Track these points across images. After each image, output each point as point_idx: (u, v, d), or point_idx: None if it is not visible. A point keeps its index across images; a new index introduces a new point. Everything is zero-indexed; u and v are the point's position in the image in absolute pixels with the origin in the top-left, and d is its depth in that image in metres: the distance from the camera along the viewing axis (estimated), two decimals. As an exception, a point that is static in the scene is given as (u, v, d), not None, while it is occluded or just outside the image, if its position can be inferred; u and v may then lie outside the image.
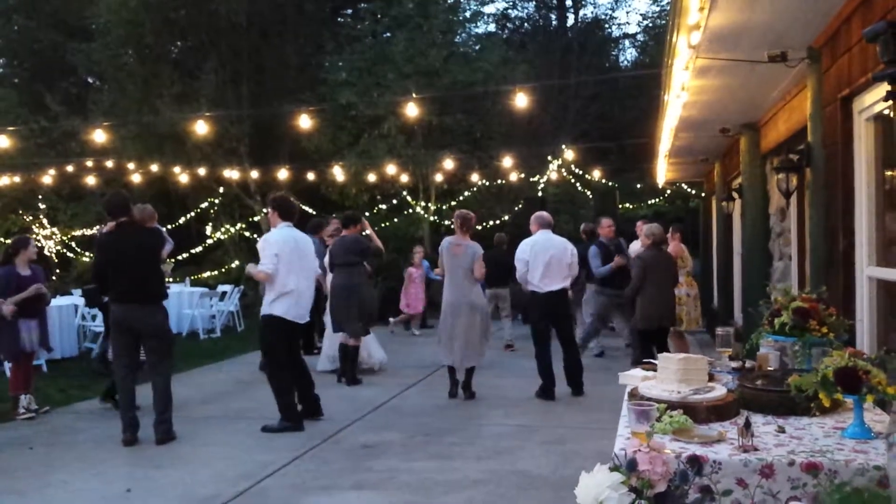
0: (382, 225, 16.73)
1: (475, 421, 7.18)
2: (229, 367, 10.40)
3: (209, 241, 18.43)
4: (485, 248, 8.43)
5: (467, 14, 20.06)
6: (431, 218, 17.13)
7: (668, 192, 18.20)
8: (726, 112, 7.85)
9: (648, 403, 2.67)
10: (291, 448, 6.25)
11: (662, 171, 13.32)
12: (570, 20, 26.99)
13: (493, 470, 5.63)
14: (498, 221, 17.08)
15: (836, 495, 2.27)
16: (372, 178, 16.10)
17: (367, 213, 16.53)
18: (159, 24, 17.13)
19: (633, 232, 10.86)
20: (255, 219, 17.80)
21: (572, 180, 17.90)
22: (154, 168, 16.07)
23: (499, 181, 16.97)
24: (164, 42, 17.94)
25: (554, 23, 27.16)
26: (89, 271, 18.08)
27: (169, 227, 8.99)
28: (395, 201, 17.08)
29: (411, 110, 11.26)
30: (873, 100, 4.36)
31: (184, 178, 16.32)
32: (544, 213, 8.50)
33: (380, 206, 17.06)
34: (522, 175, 16.84)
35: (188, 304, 13.38)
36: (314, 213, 15.17)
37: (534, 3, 27.35)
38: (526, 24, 27.60)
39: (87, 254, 18.56)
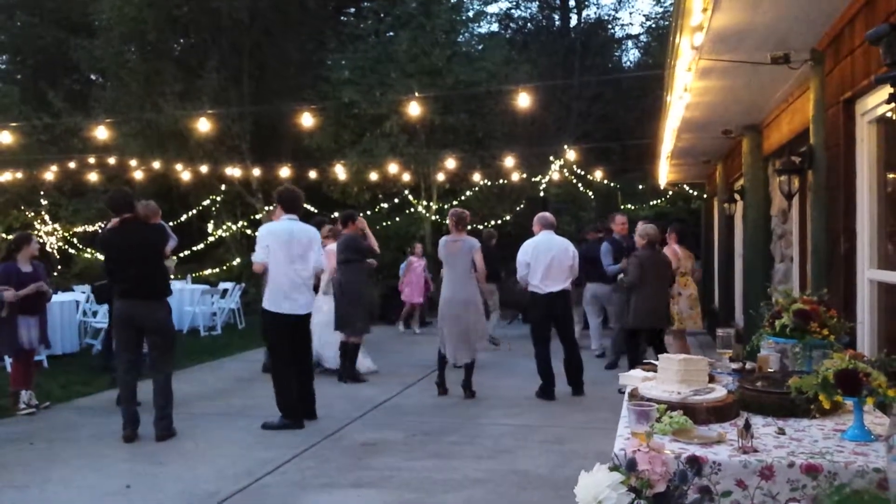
0: (384, 224, 16.74)
1: (475, 420, 7.18)
2: (230, 365, 10.42)
3: (211, 239, 18.44)
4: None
5: (470, 14, 20.06)
6: (433, 217, 17.12)
7: (670, 193, 18.18)
8: (728, 113, 7.85)
9: (648, 404, 2.68)
10: (291, 446, 6.26)
11: (664, 173, 13.31)
12: (573, 20, 26.97)
13: (492, 469, 5.64)
14: (500, 221, 17.08)
15: (835, 497, 2.27)
16: (374, 176, 16.10)
17: (368, 212, 16.57)
18: (162, 21, 17.14)
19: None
20: (257, 216, 17.81)
21: (574, 181, 17.89)
22: (156, 165, 16.07)
23: (501, 181, 16.96)
24: (166, 39, 17.94)
25: (557, 23, 27.14)
26: (91, 267, 18.15)
27: (171, 224, 8.98)
28: (396, 200, 17.09)
29: (414, 109, 11.26)
30: (876, 102, 4.36)
31: (186, 175, 16.32)
32: (547, 214, 8.51)
33: (381, 205, 17.06)
34: (524, 175, 16.83)
35: (189, 302, 13.40)
36: (315, 211, 15.18)
37: (537, 3, 27.34)
38: (529, 25, 27.57)
39: (88, 250, 18.57)
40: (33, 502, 5.08)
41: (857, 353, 2.89)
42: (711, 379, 3.40)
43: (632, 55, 28.60)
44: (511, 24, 27.03)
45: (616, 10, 37.47)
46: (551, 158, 17.36)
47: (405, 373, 9.51)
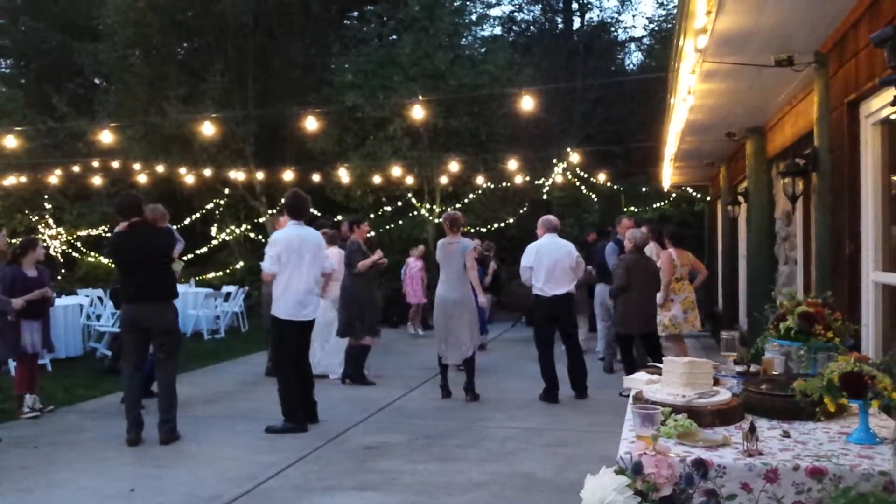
0: (387, 227, 16.74)
1: (479, 423, 7.18)
2: (233, 368, 10.42)
3: (214, 242, 18.45)
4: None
5: (473, 17, 20.04)
6: (436, 220, 17.11)
7: (674, 195, 18.17)
8: (732, 116, 7.84)
9: (653, 407, 2.67)
10: (295, 449, 6.26)
11: (668, 175, 13.31)
12: (576, 23, 26.98)
13: (496, 472, 5.63)
14: (502, 224, 17.07)
15: (840, 500, 2.26)
16: (377, 179, 16.11)
17: (371, 216, 16.57)
18: (166, 25, 17.16)
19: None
20: (260, 220, 17.83)
21: (577, 183, 17.88)
22: (160, 169, 16.09)
23: (504, 184, 16.95)
24: (170, 43, 17.97)
25: (560, 26, 27.15)
26: (95, 271, 18.19)
27: (174, 227, 9.01)
28: (399, 203, 17.08)
29: (417, 112, 11.26)
30: (880, 104, 4.36)
31: (189, 178, 16.34)
32: (551, 217, 8.52)
33: (385, 207, 17.06)
34: (527, 178, 16.81)
35: (193, 305, 13.41)
36: (319, 214, 15.19)
37: (540, 6, 27.36)
38: (532, 28, 27.59)
39: (92, 254, 18.61)
40: (37, 506, 5.09)
41: (861, 355, 2.88)
42: (716, 382, 3.40)
43: (635, 58, 28.61)
44: (514, 28, 27.06)
45: (619, 13, 37.62)
46: (554, 161, 17.34)
47: (408, 375, 9.51)
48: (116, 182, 17.13)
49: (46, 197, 18.64)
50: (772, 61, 5.40)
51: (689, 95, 6.15)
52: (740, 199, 10.15)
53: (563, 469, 5.68)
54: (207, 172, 16.28)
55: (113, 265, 6.87)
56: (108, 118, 16.49)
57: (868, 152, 4.67)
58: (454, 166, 15.19)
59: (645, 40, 27.47)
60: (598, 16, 28.61)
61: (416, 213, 17.06)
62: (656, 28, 26.26)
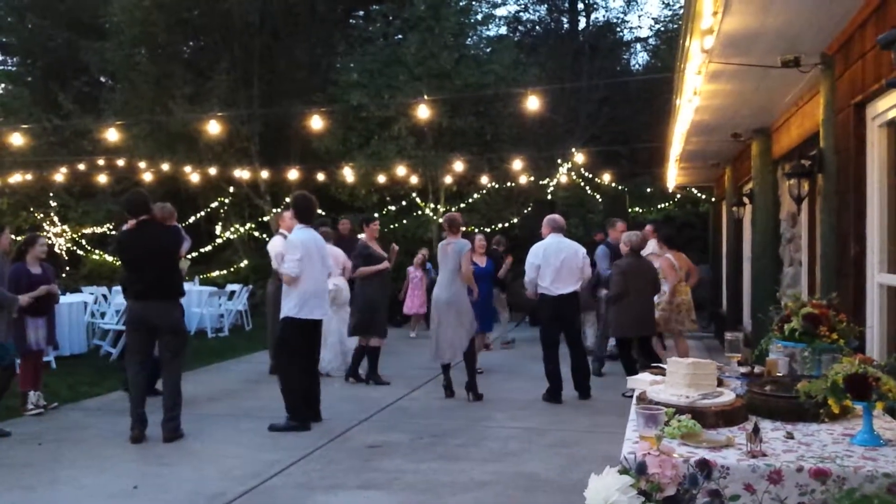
0: (391, 226, 16.74)
1: (482, 423, 7.18)
2: (237, 366, 10.44)
3: (218, 241, 18.49)
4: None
5: (479, 17, 20.02)
6: (440, 220, 17.12)
7: (678, 196, 18.15)
8: (738, 117, 7.83)
9: (657, 407, 2.67)
10: (298, 447, 6.26)
11: (673, 176, 13.29)
12: (582, 24, 26.94)
13: (499, 472, 5.63)
14: (507, 224, 17.07)
15: (844, 502, 2.26)
16: (382, 179, 16.12)
17: (375, 214, 16.56)
18: (172, 24, 17.20)
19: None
20: (265, 218, 17.85)
21: (582, 184, 17.88)
22: (165, 167, 16.12)
23: (508, 184, 16.96)
24: (176, 42, 18.00)
25: (565, 26, 27.12)
26: (100, 269, 18.23)
27: (180, 226, 9.05)
28: (404, 203, 17.09)
29: (422, 112, 11.26)
30: (886, 106, 4.35)
31: (195, 177, 16.37)
32: (557, 217, 8.51)
33: (389, 207, 17.07)
34: (532, 178, 16.81)
35: (197, 303, 13.43)
36: (323, 213, 15.20)
37: (545, 6, 27.33)
38: (537, 28, 27.55)
39: (97, 252, 18.65)
40: (41, 502, 5.10)
41: (866, 357, 2.88)
42: (720, 383, 3.39)
43: (640, 58, 28.56)
44: (519, 28, 27.03)
45: (625, 13, 37.50)
46: (559, 161, 17.34)
47: (411, 375, 9.51)
48: (122, 180, 17.17)
49: (52, 194, 18.69)
50: (778, 62, 5.39)
51: (695, 96, 6.14)
52: (745, 200, 10.14)
53: (567, 469, 5.68)
54: (212, 171, 16.31)
55: (118, 263, 6.87)
56: (114, 116, 16.54)
57: (874, 154, 4.66)
58: (459, 166, 15.20)
59: (651, 41, 27.44)
60: (603, 16, 28.62)
61: (420, 212, 17.07)
62: (662, 29, 26.24)
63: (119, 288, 10.29)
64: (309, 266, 6.94)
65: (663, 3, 29.14)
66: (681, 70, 5.82)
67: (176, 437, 6.47)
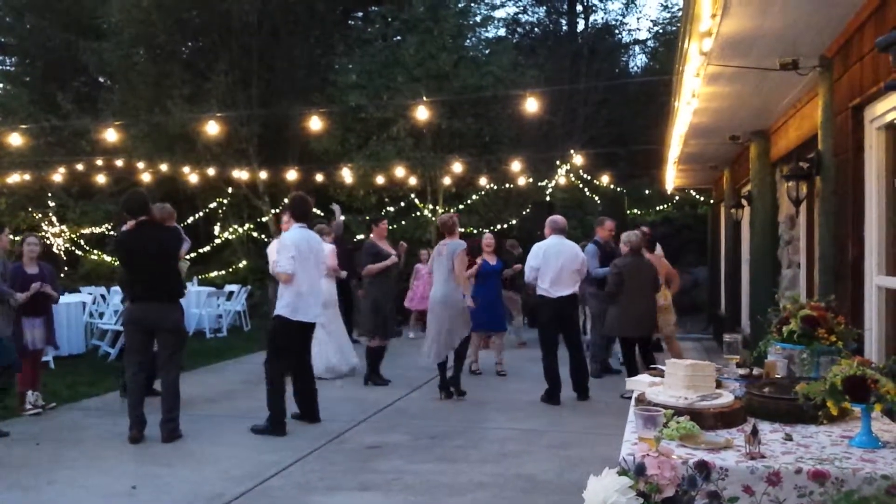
0: (390, 227, 16.73)
1: (480, 424, 7.18)
2: (235, 367, 10.43)
3: (217, 241, 18.48)
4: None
5: (478, 18, 20.03)
6: (437, 221, 17.13)
7: (677, 198, 18.17)
8: (736, 119, 7.84)
9: (655, 409, 2.68)
10: (297, 448, 6.27)
11: (671, 178, 13.30)
12: (581, 25, 26.97)
13: (498, 473, 5.63)
14: (505, 226, 17.08)
15: (843, 504, 2.27)
16: (380, 180, 16.12)
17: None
18: (171, 24, 17.19)
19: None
20: (263, 219, 17.85)
21: (580, 185, 17.89)
22: (164, 168, 16.12)
23: (507, 185, 16.97)
24: (175, 42, 17.98)
25: (564, 28, 27.15)
26: (98, 269, 18.21)
27: (179, 226, 9.05)
28: (402, 204, 17.09)
29: (421, 113, 11.25)
30: (885, 109, 4.36)
31: (193, 177, 16.37)
32: (558, 218, 8.52)
33: (387, 208, 17.07)
34: (531, 179, 16.82)
35: (195, 304, 13.42)
36: (322, 214, 15.20)
37: (544, 8, 27.35)
38: (536, 30, 27.57)
39: (95, 252, 18.63)
40: (39, 502, 5.10)
41: (864, 359, 2.88)
42: (718, 385, 3.40)
43: (639, 60, 28.61)
44: (518, 29, 27.06)
45: (623, 16, 37.55)
46: (558, 163, 17.36)
47: (410, 376, 9.50)
48: (120, 180, 17.17)
49: (50, 195, 18.68)
50: (776, 65, 5.39)
51: (694, 98, 6.14)
52: (744, 202, 10.15)
53: (565, 470, 5.68)
54: (211, 171, 16.31)
55: (117, 263, 6.87)
56: (113, 117, 16.52)
57: (872, 156, 4.67)
58: (457, 167, 15.20)
59: (649, 43, 27.48)
60: (602, 18, 28.63)
61: (418, 213, 17.07)
62: (660, 31, 26.28)
63: (117, 288, 10.30)
64: (302, 266, 6.89)
65: (662, 5, 29.25)
66: (679, 72, 5.83)
67: (174, 438, 6.47)
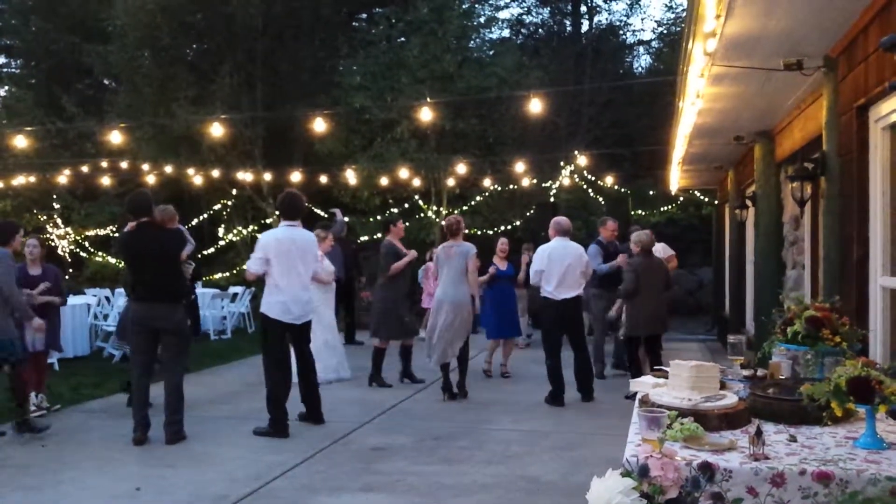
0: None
1: (484, 425, 7.18)
2: (240, 368, 10.44)
3: (221, 243, 18.51)
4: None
5: (482, 20, 20.05)
6: (443, 222, 17.13)
7: (681, 199, 18.14)
8: (741, 120, 7.83)
9: (659, 410, 2.67)
10: (301, 449, 6.27)
11: (675, 178, 13.28)
12: (585, 26, 26.97)
13: (502, 475, 5.63)
14: (509, 227, 17.07)
15: (847, 505, 2.26)
16: (384, 181, 16.13)
17: (378, 217, 16.56)
18: (176, 27, 17.24)
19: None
20: (268, 221, 17.88)
21: (585, 186, 17.88)
22: (168, 169, 16.17)
23: (511, 186, 16.97)
24: (180, 45, 18.04)
25: (568, 29, 27.16)
26: (103, 271, 18.25)
27: (183, 228, 9.07)
28: (406, 205, 17.10)
29: (425, 115, 11.27)
30: (890, 109, 4.35)
31: (198, 179, 16.41)
32: (563, 220, 8.51)
33: (392, 209, 17.07)
34: (535, 180, 16.82)
35: (200, 305, 13.42)
36: (325, 215, 15.21)
37: (548, 9, 27.36)
38: (540, 30, 27.57)
39: (100, 254, 18.68)
40: (44, 503, 5.11)
41: (869, 360, 2.87)
42: (723, 386, 3.39)
43: (643, 61, 28.59)
44: (522, 30, 27.07)
45: (628, 16, 37.47)
46: (562, 164, 17.35)
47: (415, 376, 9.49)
48: (125, 182, 17.22)
49: (55, 197, 18.74)
50: (781, 65, 5.38)
51: (698, 99, 6.14)
52: (748, 202, 10.13)
53: (569, 472, 5.67)
54: (216, 173, 16.35)
55: (121, 264, 6.88)
56: (118, 119, 16.58)
57: (877, 157, 4.66)
58: (461, 168, 15.21)
59: (653, 43, 27.46)
60: (606, 19, 28.65)
61: (422, 214, 17.08)
62: (665, 31, 26.26)
63: (122, 290, 10.31)
64: (282, 266, 6.78)
65: (666, 5, 29.19)
66: (683, 73, 5.82)
67: (178, 440, 6.47)
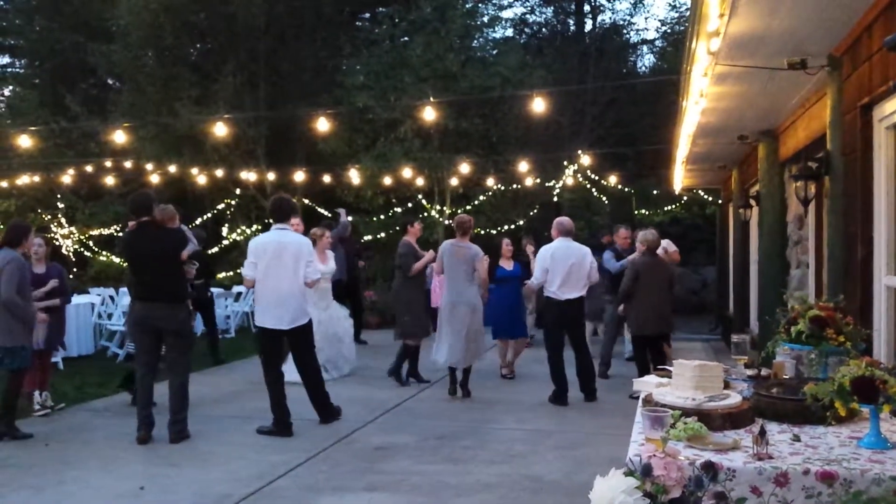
0: (397, 228, 16.76)
1: (488, 425, 7.18)
2: (243, 368, 10.43)
3: (225, 243, 18.53)
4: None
5: (485, 19, 20.04)
6: (446, 222, 17.14)
7: (685, 198, 18.12)
8: (745, 119, 7.82)
9: (663, 410, 2.67)
10: (304, 449, 6.27)
11: (679, 178, 13.27)
12: (588, 25, 26.97)
13: (505, 474, 5.63)
14: (513, 226, 17.07)
15: (851, 505, 2.26)
16: (388, 181, 16.13)
17: (381, 217, 16.57)
18: (179, 26, 17.26)
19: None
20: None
21: (588, 186, 17.87)
22: (172, 169, 16.19)
23: (514, 186, 16.96)
24: (183, 45, 18.06)
25: (572, 28, 27.15)
26: (107, 270, 18.27)
27: (186, 227, 9.07)
28: (410, 205, 17.10)
29: (428, 114, 11.26)
30: (893, 108, 4.34)
31: (201, 179, 16.42)
32: (566, 220, 8.51)
33: (395, 209, 17.08)
34: (538, 180, 16.81)
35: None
36: (329, 215, 15.22)
37: (552, 8, 27.35)
38: (544, 30, 27.59)
39: (104, 253, 18.71)
40: (48, 502, 5.12)
41: (873, 360, 2.87)
42: (726, 385, 3.39)
43: (647, 60, 28.59)
44: (526, 30, 27.07)
45: (631, 16, 37.56)
46: (565, 163, 17.34)
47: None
48: (129, 182, 17.24)
49: (59, 196, 18.77)
50: (784, 64, 5.38)
51: (702, 98, 6.13)
52: (752, 202, 10.12)
53: (572, 471, 5.67)
54: (219, 173, 16.36)
55: (125, 264, 6.88)
56: (121, 118, 16.60)
57: (881, 156, 4.65)
58: (465, 168, 15.20)
59: (657, 43, 27.46)
60: (610, 18, 28.61)
61: (426, 214, 17.08)
62: (668, 31, 26.26)
63: (126, 289, 10.32)
64: (270, 270, 6.71)
65: (670, 5, 29.19)
66: (687, 72, 5.81)
67: (182, 439, 6.48)
